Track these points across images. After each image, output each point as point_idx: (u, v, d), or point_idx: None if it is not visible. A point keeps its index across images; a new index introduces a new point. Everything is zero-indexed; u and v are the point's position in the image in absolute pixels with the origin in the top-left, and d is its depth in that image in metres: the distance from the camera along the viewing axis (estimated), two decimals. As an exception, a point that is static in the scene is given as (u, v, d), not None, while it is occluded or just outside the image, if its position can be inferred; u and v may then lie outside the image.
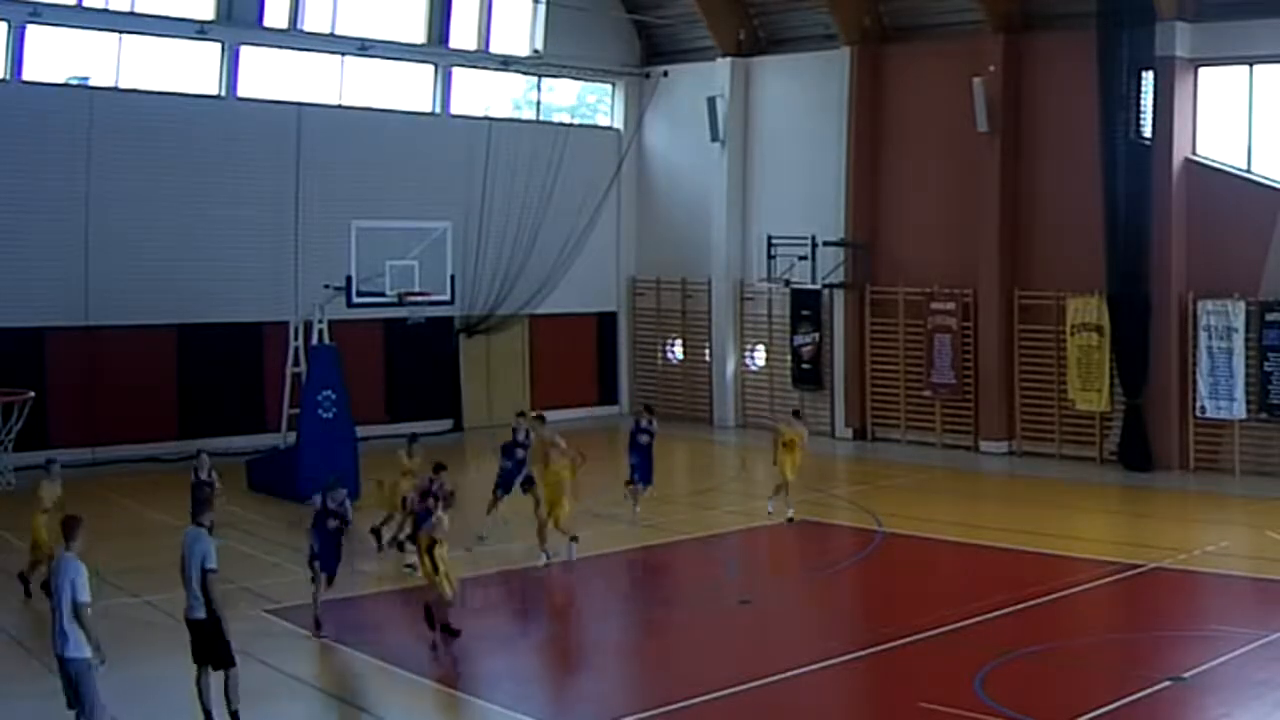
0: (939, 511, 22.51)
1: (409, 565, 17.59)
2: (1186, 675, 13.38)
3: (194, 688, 12.09)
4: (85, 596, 10.54)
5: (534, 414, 22.17)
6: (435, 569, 14.92)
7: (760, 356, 32.64)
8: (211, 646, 11.91)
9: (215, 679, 12.06)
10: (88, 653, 10.56)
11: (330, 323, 24.19)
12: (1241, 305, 24.74)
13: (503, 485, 20.16)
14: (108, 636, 10.99)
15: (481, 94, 32.80)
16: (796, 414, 24.11)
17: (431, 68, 31.64)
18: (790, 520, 21.38)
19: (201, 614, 11.83)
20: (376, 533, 19.39)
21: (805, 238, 30.05)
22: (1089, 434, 26.98)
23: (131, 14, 27.16)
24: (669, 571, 19.67)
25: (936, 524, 21.39)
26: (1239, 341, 24.72)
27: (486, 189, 31.27)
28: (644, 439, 21.90)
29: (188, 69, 28.14)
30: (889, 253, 29.96)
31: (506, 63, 32.71)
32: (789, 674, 13.86)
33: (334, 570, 15.49)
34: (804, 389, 31.35)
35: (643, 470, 21.85)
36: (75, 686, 10.67)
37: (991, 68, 27.52)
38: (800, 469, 21.79)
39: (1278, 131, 25.08)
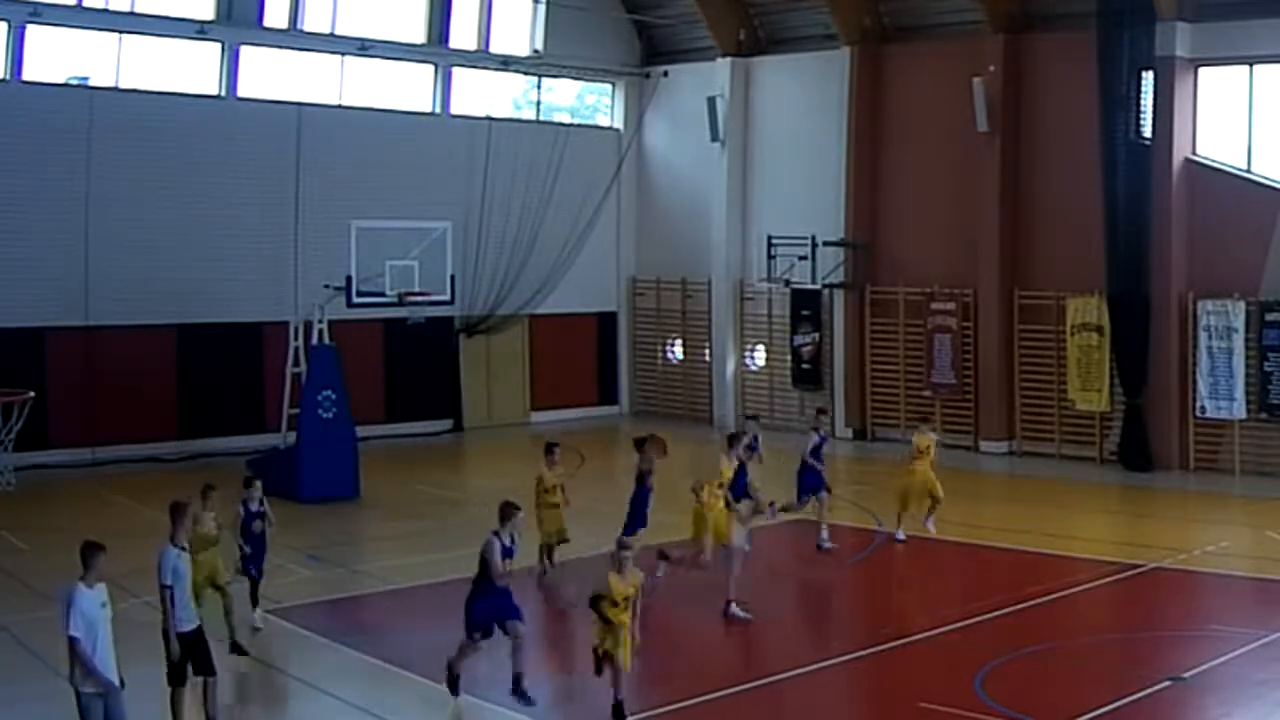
0: (939, 511, 22.46)
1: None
2: (1186, 675, 13.40)
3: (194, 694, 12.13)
4: (68, 631, 10.44)
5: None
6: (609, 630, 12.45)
7: (760, 356, 32.62)
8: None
9: (209, 686, 12.09)
10: (84, 686, 10.47)
11: (330, 323, 24.18)
12: (1241, 305, 24.75)
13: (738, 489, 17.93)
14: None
15: (481, 94, 32.76)
16: (925, 419, 22.72)
17: (431, 68, 31.63)
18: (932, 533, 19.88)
19: (188, 627, 11.93)
20: (663, 554, 17.32)
21: (805, 238, 30.04)
22: (1089, 434, 26.98)
23: (131, 14, 27.15)
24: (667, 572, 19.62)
25: (937, 524, 21.35)
26: (1239, 341, 24.73)
27: (486, 189, 31.24)
28: (825, 448, 19.86)
29: (188, 69, 28.14)
30: (889, 253, 29.96)
31: (506, 63, 32.70)
32: (789, 674, 13.87)
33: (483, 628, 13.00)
34: (804, 389, 31.36)
35: (819, 477, 19.73)
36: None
37: (991, 68, 27.52)
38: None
39: (1278, 131, 25.10)
